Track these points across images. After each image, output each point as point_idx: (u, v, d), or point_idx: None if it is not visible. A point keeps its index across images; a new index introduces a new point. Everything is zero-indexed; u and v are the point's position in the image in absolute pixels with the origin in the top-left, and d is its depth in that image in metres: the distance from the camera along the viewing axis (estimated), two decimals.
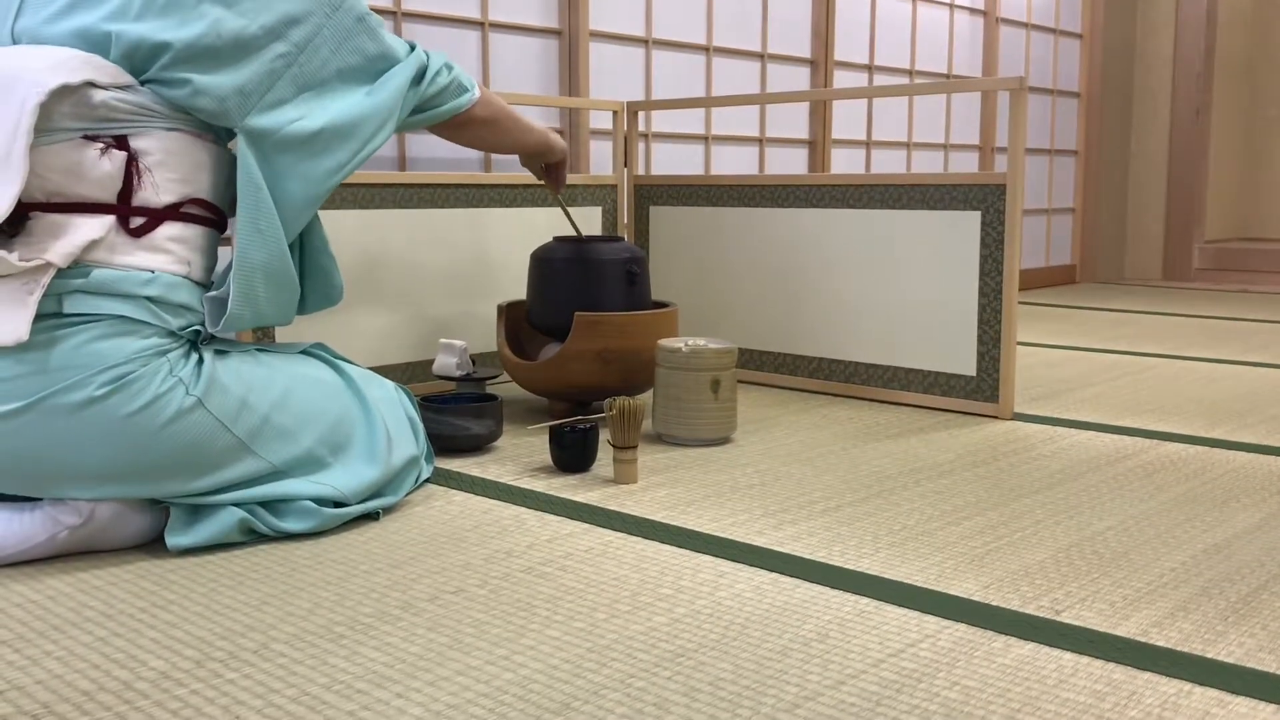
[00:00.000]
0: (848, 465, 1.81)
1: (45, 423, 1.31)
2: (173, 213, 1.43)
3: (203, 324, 1.45)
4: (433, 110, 1.69)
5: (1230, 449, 1.92)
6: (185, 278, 1.43)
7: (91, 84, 1.36)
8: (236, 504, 1.41)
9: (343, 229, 2.20)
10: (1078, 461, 1.83)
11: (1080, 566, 1.34)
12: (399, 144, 2.59)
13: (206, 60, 1.42)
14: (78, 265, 1.35)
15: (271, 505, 1.44)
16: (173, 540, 1.38)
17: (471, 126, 1.78)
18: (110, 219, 1.38)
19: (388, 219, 2.27)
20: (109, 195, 1.38)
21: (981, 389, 2.18)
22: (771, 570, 1.32)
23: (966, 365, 2.19)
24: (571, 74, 2.91)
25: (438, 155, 2.66)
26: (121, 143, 1.39)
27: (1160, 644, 1.11)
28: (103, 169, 1.37)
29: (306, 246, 1.59)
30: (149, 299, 1.38)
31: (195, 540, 1.38)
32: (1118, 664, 1.07)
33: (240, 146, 1.45)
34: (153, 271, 1.39)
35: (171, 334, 1.40)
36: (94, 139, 1.37)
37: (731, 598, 1.24)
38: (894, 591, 1.25)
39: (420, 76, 1.63)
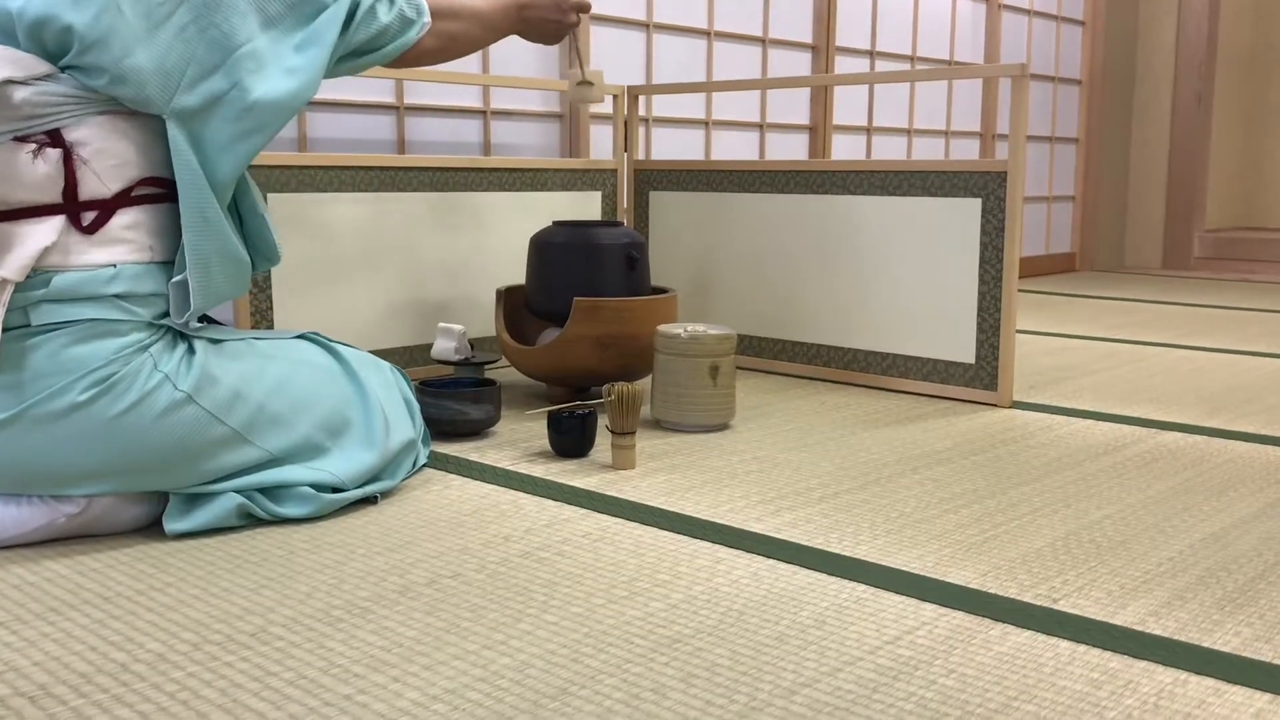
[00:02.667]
0: (846, 452, 1.81)
1: (33, 431, 1.30)
2: (124, 199, 1.38)
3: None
4: (374, 53, 1.57)
5: (1228, 438, 1.92)
6: (150, 263, 1.39)
7: (9, 81, 1.29)
8: (235, 490, 1.40)
9: (341, 213, 2.19)
10: (1076, 450, 1.83)
11: (1078, 555, 1.34)
12: (398, 128, 2.58)
13: (115, 42, 1.32)
14: (35, 274, 1.31)
15: (270, 491, 1.43)
16: (170, 526, 1.38)
17: (426, 57, 1.65)
18: (59, 220, 1.33)
19: (386, 202, 2.26)
20: (53, 196, 1.33)
21: (980, 377, 2.18)
22: (769, 557, 1.32)
23: (965, 353, 2.19)
24: (572, 57, 2.90)
25: (437, 139, 2.66)
26: (55, 138, 1.33)
27: (1157, 633, 1.11)
28: (39, 172, 1.32)
29: (242, 209, 1.51)
30: (116, 296, 1.34)
31: (193, 525, 1.38)
32: (1114, 652, 1.07)
33: (171, 134, 1.37)
34: (114, 266, 1.35)
35: (149, 325, 1.38)
36: (24, 140, 1.31)
37: (729, 584, 1.24)
38: (891, 578, 1.25)
39: (350, 18, 1.51)
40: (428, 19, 1.62)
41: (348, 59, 1.56)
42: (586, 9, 1.87)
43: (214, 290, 1.41)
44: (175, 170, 1.38)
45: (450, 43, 1.68)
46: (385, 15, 1.56)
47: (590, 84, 2.12)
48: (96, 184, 1.36)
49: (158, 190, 1.42)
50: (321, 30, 1.48)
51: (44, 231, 1.32)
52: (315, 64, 1.46)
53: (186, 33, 1.37)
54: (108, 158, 1.36)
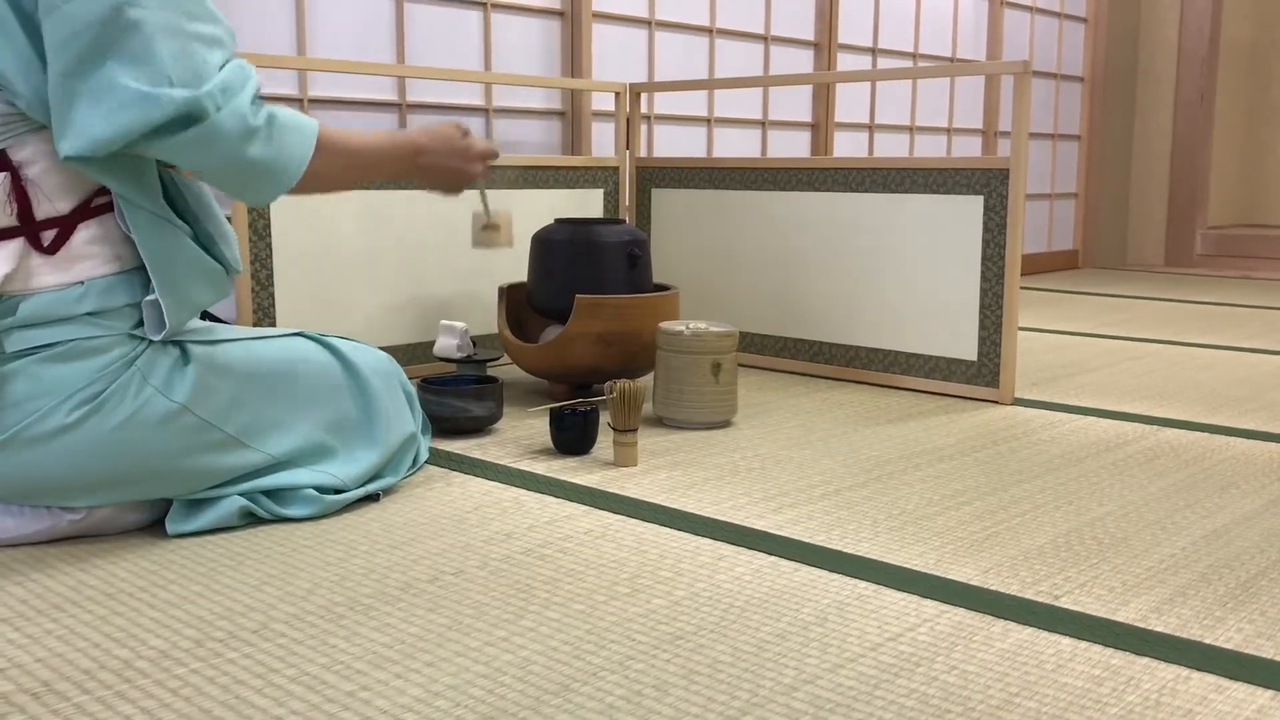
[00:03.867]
0: (848, 449, 1.81)
1: (25, 453, 1.27)
2: (83, 213, 1.31)
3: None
4: (225, 187, 1.34)
5: (1230, 435, 1.92)
6: (120, 273, 1.33)
7: None
8: (239, 494, 1.39)
9: (344, 210, 2.19)
10: (1078, 447, 1.83)
11: (1079, 552, 1.34)
12: (400, 123, 2.58)
13: (17, 72, 1.25)
14: (1, 301, 1.27)
15: (273, 492, 1.43)
16: (174, 528, 1.37)
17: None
18: (18, 244, 1.27)
19: (389, 200, 2.26)
20: (6, 220, 1.27)
21: (982, 374, 2.18)
22: (771, 554, 1.32)
23: (968, 350, 2.19)
24: (574, 55, 2.90)
25: None
26: (1, 160, 1.27)
27: (1159, 629, 1.12)
28: None
29: (186, 218, 1.39)
30: (89, 314, 1.30)
31: (196, 527, 1.37)
32: (1116, 649, 1.07)
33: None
34: (82, 283, 1.30)
35: (130, 337, 1.33)
36: None
37: (730, 581, 1.24)
38: (893, 576, 1.26)
39: (170, 126, 1.24)
40: (296, 177, 1.36)
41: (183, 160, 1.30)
42: (494, 156, 1.66)
43: (189, 303, 1.36)
44: (114, 190, 1.31)
45: (311, 182, 1.40)
46: (261, 151, 1.30)
47: (496, 227, 1.96)
48: (50, 204, 1.29)
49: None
50: (123, 109, 1.23)
51: (2, 257, 1.27)
52: (95, 139, 1.23)
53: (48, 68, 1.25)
54: (57, 175, 1.29)
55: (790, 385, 2.32)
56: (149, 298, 1.34)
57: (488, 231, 1.96)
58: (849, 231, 2.34)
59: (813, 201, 2.39)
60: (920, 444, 1.85)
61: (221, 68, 1.29)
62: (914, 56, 4.04)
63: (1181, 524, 1.44)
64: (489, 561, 1.29)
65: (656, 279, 2.56)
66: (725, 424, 1.96)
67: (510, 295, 2.21)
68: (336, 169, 1.43)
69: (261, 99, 1.34)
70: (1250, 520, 1.46)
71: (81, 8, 1.22)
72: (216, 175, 1.32)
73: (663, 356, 1.95)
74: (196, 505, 1.39)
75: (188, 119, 1.25)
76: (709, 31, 3.31)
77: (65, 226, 1.31)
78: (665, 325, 1.97)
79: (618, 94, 2.70)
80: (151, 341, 1.35)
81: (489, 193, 1.92)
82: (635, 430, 1.70)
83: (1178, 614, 1.15)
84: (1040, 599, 1.19)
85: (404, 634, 1.09)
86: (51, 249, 1.30)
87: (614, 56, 3.03)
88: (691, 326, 1.94)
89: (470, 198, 1.91)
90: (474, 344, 2.14)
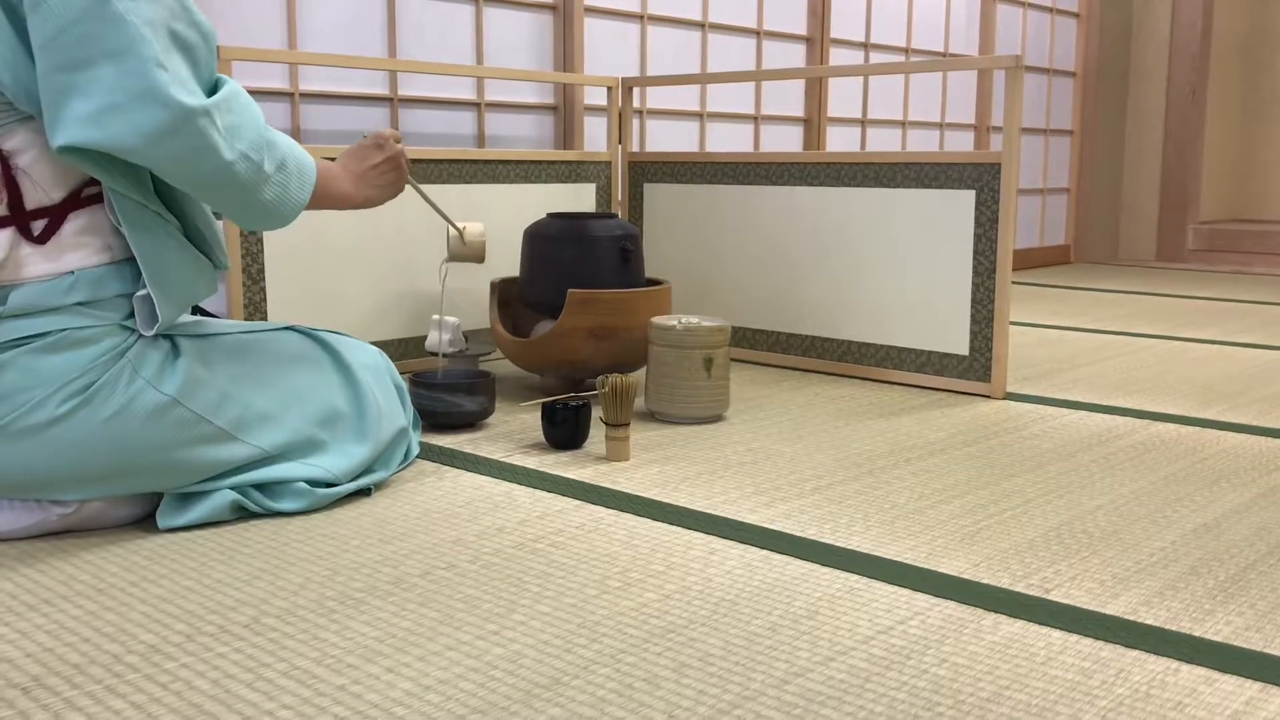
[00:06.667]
0: (839, 444, 1.81)
1: (15, 445, 1.27)
2: (74, 203, 1.31)
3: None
4: (211, 201, 1.35)
5: (1221, 429, 1.93)
6: (110, 264, 1.33)
7: None
8: (230, 488, 1.39)
9: None
10: (1069, 441, 1.84)
11: (1070, 545, 1.34)
12: (392, 119, 2.58)
13: (3, 63, 1.24)
14: None
15: (264, 486, 1.42)
16: (164, 522, 1.37)
17: None
18: (8, 233, 1.28)
19: None
20: None
21: (974, 368, 2.18)
22: (762, 547, 1.32)
23: (959, 344, 2.19)
24: (566, 49, 2.90)
25: (431, 131, 2.65)
26: None
27: (1149, 622, 1.12)
28: None
29: (176, 213, 1.39)
30: (80, 304, 1.29)
31: (187, 521, 1.37)
32: (1106, 642, 1.07)
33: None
34: (72, 273, 1.30)
35: (122, 328, 1.33)
36: None
37: (722, 574, 1.24)
38: (884, 569, 1.26)
39: (164, 133, 1.24)
40: (302, 204, 1.40)
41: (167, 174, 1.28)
42: (399, 138, 1.61)
43: (178, 298, 1.35)
44: (102, 180, 1.30)
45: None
46: (269, 196, 1.34)
47: (462, 231, 1.94)
48: (40, 193, 1.29)
49: None
50: (114, 109, 1.22)
51: None
52: (88, 137, 1.22)
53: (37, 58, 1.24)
54: (46, 165, 1.29)
55: (782, 380, 2.32)
56: (140, 293, 1.34)
57: (470, 241, 1.95)
58: (841, 226, 2.34)
59: (805, 196, 2.39)
60: (912, 438, 1.85)
61: (200, 79, 1.30)
62: (906, 51, 4.04)
63: (1172, 518, 1.45)
64: (480, 556, 1.29)
65: (649, 274, 2.56)
66: (717, 419, 1.96)
67: (502, 289, 2.21)
68: (316, 201, 1.45)
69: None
70: (1240, 514, 1.47)
71: (65, 2, 1.21)
72: (225, 211, 1.36)
73: (655, 351, 1.95)
74: (187, 499, 1.39)
75: (178, 127, 1.23)
76: (701, 26, 3.31)
77: (56, 216, 1.30)
78: (657, 320, 1.97)
79: (610, 88, 2.70)
80: (142, 334, 1.35)
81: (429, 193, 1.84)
82: (627, 425, 1.70)
83: (1168, 607, 1.16)
84: (1031, 592, 1.19)
85: (395, 628, 1.09)
86: (42, 238, 1.30)
87: (606, 51, 3.03)
88: (684, 321, 1.94)
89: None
90: (466, 338, 2.14)
